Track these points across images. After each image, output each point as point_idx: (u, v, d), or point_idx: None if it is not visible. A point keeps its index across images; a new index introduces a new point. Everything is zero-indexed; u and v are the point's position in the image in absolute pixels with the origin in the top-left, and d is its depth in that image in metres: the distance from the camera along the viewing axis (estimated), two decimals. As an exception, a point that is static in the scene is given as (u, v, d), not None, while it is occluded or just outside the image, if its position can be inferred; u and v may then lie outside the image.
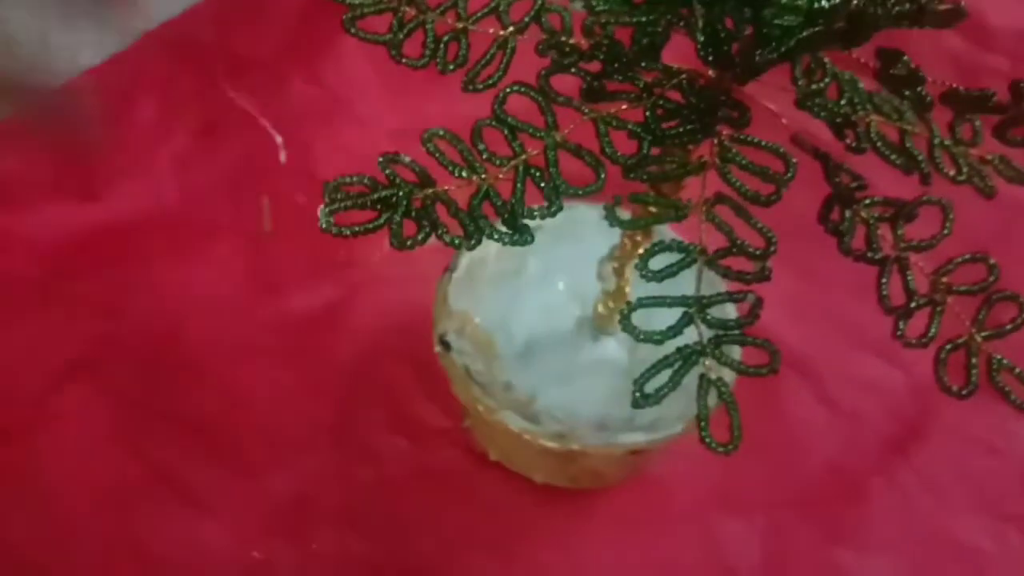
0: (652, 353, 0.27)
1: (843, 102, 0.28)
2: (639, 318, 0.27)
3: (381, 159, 0.26)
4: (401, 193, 0.25)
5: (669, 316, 0.28)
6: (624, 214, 0.30)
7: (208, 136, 0.57)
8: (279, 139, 0.56)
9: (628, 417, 0.40)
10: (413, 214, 0.25)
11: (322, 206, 0.25)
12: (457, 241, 0.25)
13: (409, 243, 0.25)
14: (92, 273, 0.52)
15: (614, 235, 0.36)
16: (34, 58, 0.56)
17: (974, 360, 0.28)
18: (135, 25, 0.53)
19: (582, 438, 0.40)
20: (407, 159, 0.26)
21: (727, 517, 0.46)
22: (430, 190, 0.26)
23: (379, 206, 0.25)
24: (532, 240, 0.26)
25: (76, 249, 0.52)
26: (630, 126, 0.27)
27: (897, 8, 0.19)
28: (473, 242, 0.26)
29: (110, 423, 0.47)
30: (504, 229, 0.26)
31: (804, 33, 0.21)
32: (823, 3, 0.20)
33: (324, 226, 0.24)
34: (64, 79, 0.57)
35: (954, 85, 0.23)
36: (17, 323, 0.50)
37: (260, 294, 0.52)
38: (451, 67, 0.28)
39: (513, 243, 0.26)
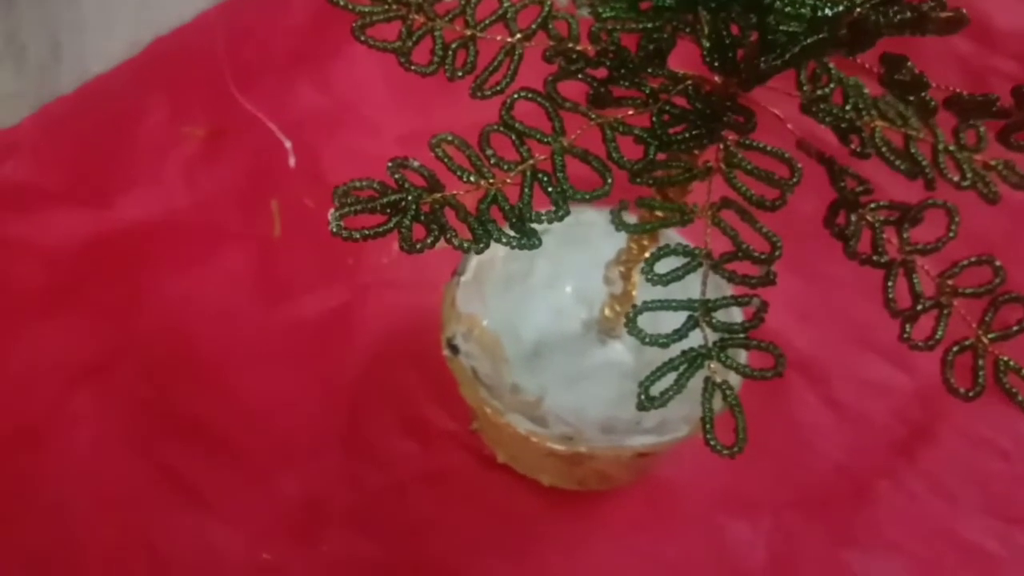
0: (659, 356, 0.27)
1: (848, 107, 0.28)
2: (645, 321, 0.27)
3: (390, 164, 0.26)
4: (410, 197, 0.25)
5: (675, 319, 0.28)
6: (631, 218, 0.30)
7: (218, 141, 0.57)
8: (288, 144, 0.57)
9: (635, 419, 0.40)
10: (422, 218, 0.25)
11: (332, 210, 0.25)
12: (466, 245, 0.26)
13: (418, 246, 0.25)
14: (103, 279, 0.52)
15: (621, 239, 0.36)
16: (45, 65, 0.56)
17: (981, 362, 0.28)
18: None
19: (589, 440, 0.40)
20: (416, 163, 0.26)
21: (734, 519, 0.47)
22: (439, 194, 0.26)
23: (388, 210, 0.25)
24: (539, 244, 0.27)
25: (87, 255, 0.52)
26: (636, 131, 0.27)
27: (899, 16, 0.19)
28: (481, 245, 0.26)
29: (121, 428, 0.48)
30: (512, 233, 0.27)
31: (808, 40, 0.21)
32: (826, 11, 0.20)
33: (335, 230, 0.25)
34: (75, 86, 0.57)
35: (959, 90, 0.23)
36: (29, 329, 0.50)
37: (270, 298, 0.52)
38: (459, 74, 0.28)
39: (521, 247, 0.26)
